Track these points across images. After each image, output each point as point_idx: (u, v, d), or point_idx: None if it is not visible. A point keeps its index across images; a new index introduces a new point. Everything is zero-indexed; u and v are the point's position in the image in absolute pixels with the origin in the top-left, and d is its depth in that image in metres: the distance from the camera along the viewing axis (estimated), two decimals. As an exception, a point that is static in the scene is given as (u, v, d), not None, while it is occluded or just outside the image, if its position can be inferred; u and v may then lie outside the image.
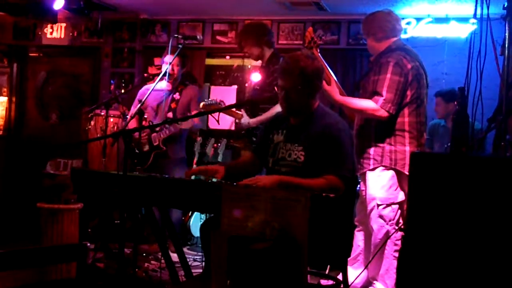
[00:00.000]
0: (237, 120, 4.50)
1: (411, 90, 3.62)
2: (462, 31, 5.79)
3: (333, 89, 3.66)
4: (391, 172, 3.65)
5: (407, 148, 3.62)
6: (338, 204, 2.88)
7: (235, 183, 2.80)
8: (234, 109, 4.54)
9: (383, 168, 3.66)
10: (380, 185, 3.68)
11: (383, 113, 3.55)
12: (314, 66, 3.05)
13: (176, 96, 5.10)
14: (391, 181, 3.66)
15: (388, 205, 3.65)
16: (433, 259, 2.07)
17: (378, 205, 3.66)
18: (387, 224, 3.64)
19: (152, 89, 4.68)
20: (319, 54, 3.95)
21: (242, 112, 4.45)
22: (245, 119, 4.47)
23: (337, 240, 2.98)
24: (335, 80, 3.80)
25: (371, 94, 3.63)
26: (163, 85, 5.07)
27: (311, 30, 4.07)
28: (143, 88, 5.17)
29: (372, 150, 3.69)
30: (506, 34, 2.67)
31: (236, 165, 3.47)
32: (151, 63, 6.58)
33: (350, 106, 3.72)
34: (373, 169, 3.69)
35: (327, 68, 3.84)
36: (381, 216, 3.66)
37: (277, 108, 4.16)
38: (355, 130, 3.81)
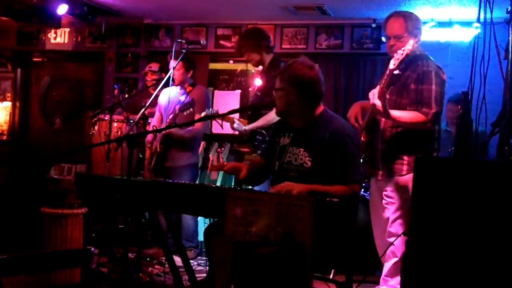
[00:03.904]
0: (231, 126, 4.44)
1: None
2: (466, 35, 5.79)
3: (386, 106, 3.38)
4: None
5: None
6: (342, 209, 2.87)
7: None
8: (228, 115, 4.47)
9: None
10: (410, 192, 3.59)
11: (430, 126, 3.49)
12: (303, 72, 2.99)
13: (182, 98, 5.08)
14: None
15: None
16: (437, 262, 2.07)
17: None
18: None
19: (168, 97, 4.86)
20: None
21: (233, 117, 4.40)
22: (238, 125, 4.39)
23: (341, 244, 2.98)
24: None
25: (415, 103, 3.48)
26: (177, 90, 5.11)
27: None
28: (162, 92, 5.10)
29: (406, 157, 3.57)
30: (510, 38, 2.67)
31: (254, 167, 3.36)
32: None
33: (402, 121, 3.50)
34: (404, 175, 3.59)
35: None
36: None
37: (273, 113, 4.16)
38: (388, 134, 3.63)
